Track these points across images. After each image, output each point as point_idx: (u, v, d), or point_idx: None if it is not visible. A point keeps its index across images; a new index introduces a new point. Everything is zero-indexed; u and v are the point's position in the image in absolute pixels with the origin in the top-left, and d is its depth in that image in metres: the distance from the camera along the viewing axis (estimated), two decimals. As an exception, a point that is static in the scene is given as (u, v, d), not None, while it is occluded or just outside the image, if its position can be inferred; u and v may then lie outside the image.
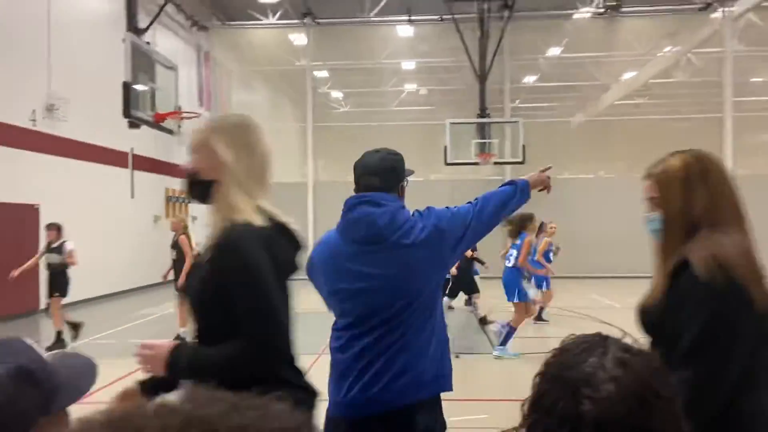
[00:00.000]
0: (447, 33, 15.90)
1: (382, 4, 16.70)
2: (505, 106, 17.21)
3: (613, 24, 17.37)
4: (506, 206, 2.41)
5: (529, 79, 20.35)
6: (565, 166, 19.70)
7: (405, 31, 17.80)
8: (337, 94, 21.44)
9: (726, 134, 16.83)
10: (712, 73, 17.48)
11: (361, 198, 2.27)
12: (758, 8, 15.82)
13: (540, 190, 2.59)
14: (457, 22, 15.22)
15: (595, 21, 17.14)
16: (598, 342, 0.87)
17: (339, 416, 2.16)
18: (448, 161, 14.87)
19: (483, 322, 8.99)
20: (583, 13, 16.52)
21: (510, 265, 7.56)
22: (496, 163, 15.34)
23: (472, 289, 10.15)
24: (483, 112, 15.49)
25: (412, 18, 16.91)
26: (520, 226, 7.50)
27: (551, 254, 9.67)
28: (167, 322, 10.32)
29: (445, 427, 2.26)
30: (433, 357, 2.16)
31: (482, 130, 15.20)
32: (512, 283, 7.53)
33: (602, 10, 16.25)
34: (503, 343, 7.34)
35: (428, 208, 2.31)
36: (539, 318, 9.60)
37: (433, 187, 17.72)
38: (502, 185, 2.47)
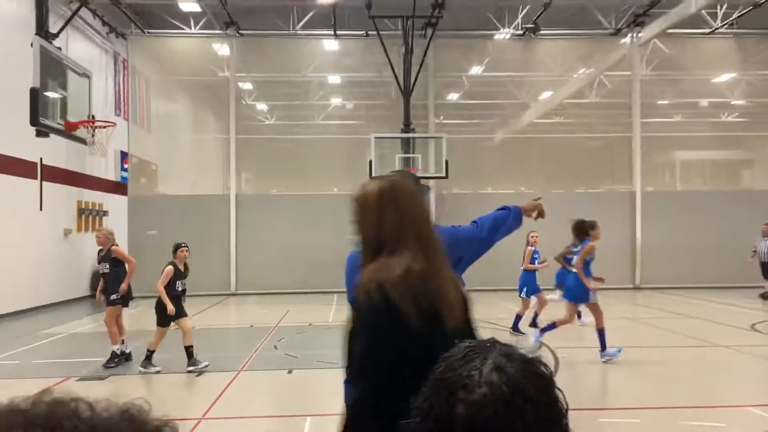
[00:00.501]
0: (372, 48, 16.07)
1: (308, 17, 16.68)
2: (430, 122, 17.53)
3: (532, 45, 18.09)
4: (499, 230, 2.58)
5: (453, 96, 20.84)
6: (487, 182, 20.27)
7: (331, 45, 17.84)
8: (262, 107, 21.16)
9: (635, 153, 17.82)
10: (622, 94, 18.50)
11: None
12: (663, 35, 16.91)
13: (536, 218, 2.77)
14: (382, 38, 15.41)
15: (515, 42, 17.80)
16: (483, 348, 0.88)
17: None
18: (373, 175, 14.94)
19: None
20: (504, 34, 17.12)
21: (574, 270, 7.98)
22: (420, 177, 15.56)
23: None
24: (407, 127, 15.71)
25: (338, 33, 16.98)
26: (584, 232, 7.92)
27: (536, 262, 9.81)
28: (75, 341, 9.75)
29: None
30: None
31: (407, 145, 15.40)
32: (572, 286, 7.89)
33: (521, 32, 16.89)
34: (603, 348, 7.52)
35: (434, 226, 2.46)
36: (515, 328, 9.62)
37: (359, 201, 17.82)
38: (497, 210, 2.64)
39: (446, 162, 15.21)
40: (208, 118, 20.40)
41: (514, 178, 19.63)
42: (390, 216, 1.77)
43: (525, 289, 9.21)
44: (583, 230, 7.94)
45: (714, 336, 9.48)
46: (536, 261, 9.67)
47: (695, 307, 13.13)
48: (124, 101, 16.83)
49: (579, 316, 9.62)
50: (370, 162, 14.86)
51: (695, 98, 21.18)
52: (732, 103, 20.69)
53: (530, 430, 0.80)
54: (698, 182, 21.11)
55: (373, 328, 1.62)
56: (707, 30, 16.23)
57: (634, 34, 17.04)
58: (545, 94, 20.81)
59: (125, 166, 17.03)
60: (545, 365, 0.89)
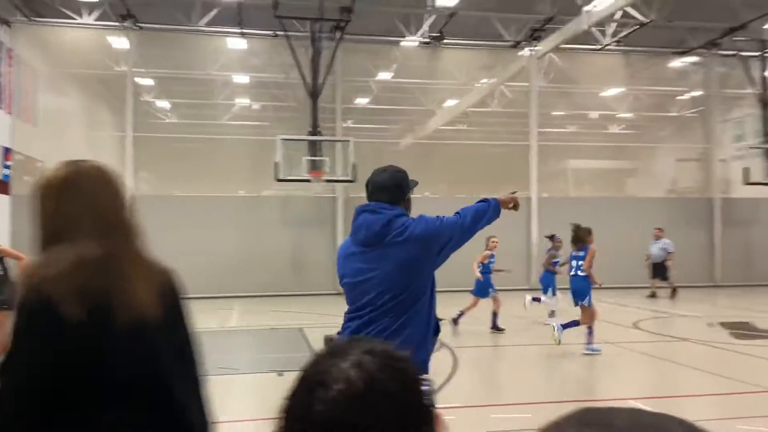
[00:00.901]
0: (280, 49, 15.83)
1: (212, 14, 16.18)
2: (337, 126, 17.50)
3: (438, 54, 18.53)
4: (480, 221, 2.89)
5: (361, 101, 20.96)
6: (394, 186, 20.53)
7: (237, 43, 17.40)
8: (163, 104, 20.30)
9: (532, 160, 18.66)
10: (521, 104, 19.34)
11: (364, 207, 2.80)
12: (558, 50, 17.86)
13: (510, 208, 3.03)
14: (290, 39, 15.23)
15: (421, 50, 18.15)
16: (348, 345, 0.87)
17: None
18: (280, 177, 14.73)
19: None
20: (411, 42, 17.41)
21: (582, 274, 8.52)
22: (327, 180, 15.50)
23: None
24: (315, 130, 15.60)
25: (245, 31, 16.60)
26: (583, 239, 8.64)
27: (491, 266, 10.22)
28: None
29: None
30: (408, 340, 2.55)
31: (314, 148, 15.29)
32: (580, 288, 8.44)
33: (427, 40, 17.25)
34: (590, 342, 8.18)
35: (420, 215, 2.79)
36: (495, 327, 9.97)
37: (264, 203, 17.47)
38: (477, 202, 2.90)
39: (354, 166, 15.24)
40: (103, 114, 19.28)
41: (420, 183, 19.77)
42: (68, 204, 1.60)
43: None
44: (580, 237, 8.66)
45: (598, 334, 10.08)
46: (491, 265, 10.08)
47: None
48: (6, 93, 15.58)
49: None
50: (276, 164, 14.62)
51: (587, 110, 22.56)
52: (619, 115, 22.21)
53: (388, 427, 0.79)
54: (589, 189, 22.45)
55: (25, 330, 1.46)
56: (598, 46, 17.29)
57: (532, 48, 17.86)
58: (450, 102, 21.39)
59: (7, 162, 15.76)
60: (408, 360, 0.88)
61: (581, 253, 8.65)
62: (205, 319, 11.75)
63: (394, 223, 2.71)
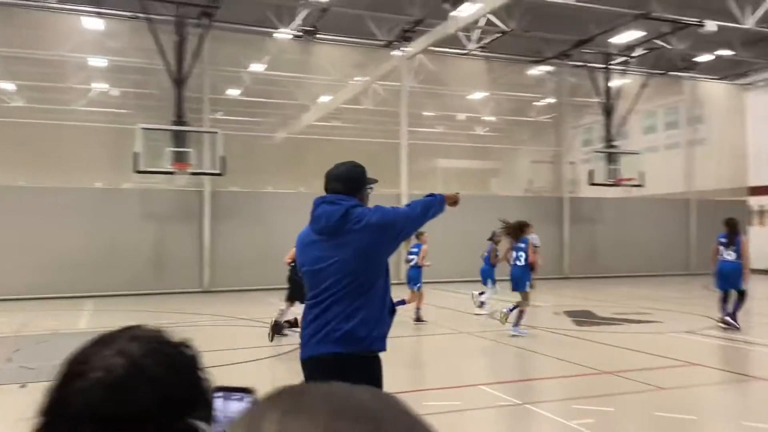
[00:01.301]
0: (142, 32, 14.88)
1: (65, -10, 14.92)
2: (204, 116, 16.81)
3: (311, 48, 18.41)
4: (428, 213, 3.15)
5: (232, 92, 20.34)
6: (267, 181, 20.18)
7: (93, 23, 16.14)
8: (7, 86, 18.43)
9: (402, 159, 19.14)
10: (392, 103, 19.76)
11: (323, 198, 3.03)
12: (428, 52, 18.45)
13: (451, 204, 3.32)
14: (153, 22, 14.41)
15: (295, 43, 17.94)
16: (118, 332, 0.83)
17: (301, 358, 3.00)
18: (140, 169, 13.91)
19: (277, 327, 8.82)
20: (284, 34, 17.15)
21: (521, 264, 9.39)
22: (193, 173, 14.88)
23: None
24: (180, 120, 14.90)
25: (101, 11, 15.44)
26: (521, 231, 9.54)
27: (416, 257, 10.70)
28: None
29: (378, 383, 2.92)
30: (364, 321, 2.85)
31: (178, 139, 14.60)
32: (522, 277, 9.40)
33: (300, 34, 17.09)
34: (517, 324, 9.23)
35: (376, 206, 3.04)
36: (419, 320, 10.44)
37: (124, 196, 16.40)
38: (425, 196, 3.21)
39: (222, 158, 14.76)
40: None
41: (294, 178, 19.82)
42: None
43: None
44: (521, 229, 9.61)
45: (450, 322, 10.59)
46: (416, 255, 10.60)
47: (436, 297, 14.57)
48: None
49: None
50: (136, 154, 13.80)
51: (454, 112, 23.60)
52: (484, 118, 23.46)
53: (150, 415, 0.76)
54: (457, 187, 23.46)
55: None
56: (464, 51, 18.08)
57: (403, 48, 18.31)
58: (324, 98, 21.39)
59: None
60: (183, 345, 0.85)
61: (522, 245, 9.46)
62: (65, 320, 10.84)
63: (352, 213, 2.94)
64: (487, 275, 11.96)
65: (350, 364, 2.83)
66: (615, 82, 20.25)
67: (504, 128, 24.10)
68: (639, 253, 20.79)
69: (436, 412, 5.56)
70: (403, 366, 7.37)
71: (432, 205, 3.20)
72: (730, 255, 9.87)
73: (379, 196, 18.39)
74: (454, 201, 3.36)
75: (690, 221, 22.55)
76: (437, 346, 9.25)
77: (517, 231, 9.59)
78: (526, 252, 9.45)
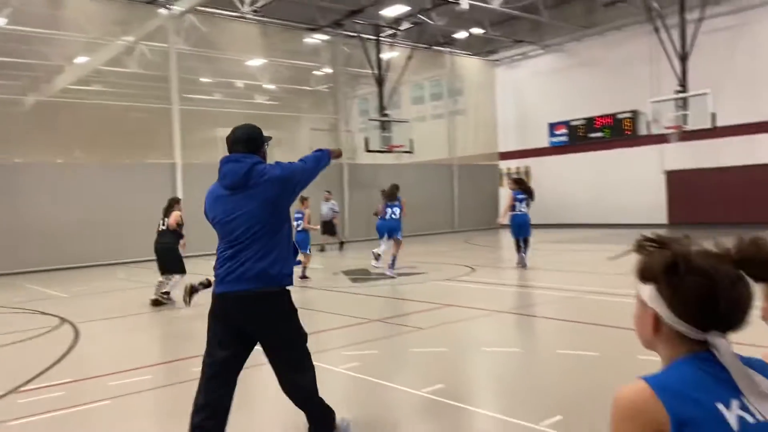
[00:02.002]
0: None
1: None
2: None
3: (62, 1, 16.35)
4: (319, 165, 3.59)
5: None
6: (15, 151, 17.63)
7: None
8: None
9: (175, 126, 18.11)
10: (161, 67, 18.48)
11: (228, 158, 3.38)
12: (199, 12, 17.53)
13: (335, 157, 3.79)
14: None
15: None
16: None
17: (216, 293, 3.36)
18: None
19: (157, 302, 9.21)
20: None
21: (396, 217, 11.85)
22: None
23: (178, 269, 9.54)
24: None
25: None
26: (393, 194, 11.96)
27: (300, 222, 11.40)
28: None
29: (290, 315, 3.41)
30: (274, 261, 3.29)
31: None
32: (396, 227, 11.86)
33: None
34: (393, 266, 11.70)
35: (276, 162, 3.42)
36: (304, 276, 11.38)
37: None
38: (314, 151, 3.65)
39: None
40: None
41: (49, 147, 17.59)
42: None
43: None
44: (393, 193, 11.93)
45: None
46: (301, 221, 11.28)
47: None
48: None
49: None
50: None
51: (232, 78, 22.88)
52: (265, 86, 23.13)
53: None
54: (238, 157, 22.91)
55: None
56: (237, 13, 17.54)
57: (169, 6, 17.16)
58: (81, 59, 19.22)
59: None
60: None
61: (396, 203, 11.82)
62: None
63: (255, 169, 3.31)
64: (384, 230, 12.81)
65: (263, 298, 3.28)
66: (385, 54, 21.35)
67: (284, 97, 24.04)
68: (412, 215, 22.47)
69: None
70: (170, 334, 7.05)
71: (322, 159, 3.63)
72: (522, 209, 12.03)
73: (152, 166, 17.36)
74: (338, 155, 3.86)
75: (453, 184, 24.96)
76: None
77: (392, 193, 11.92)
78: (400, 208, 11.84)
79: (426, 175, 23.81)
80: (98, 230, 16.50)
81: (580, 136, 23.81)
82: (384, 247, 12.69)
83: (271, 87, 23.20)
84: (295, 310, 3.44)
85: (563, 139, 24.45)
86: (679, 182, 21.10)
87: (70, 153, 18.10)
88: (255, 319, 3.31)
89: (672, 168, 21.27)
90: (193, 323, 8.18)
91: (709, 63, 18.85)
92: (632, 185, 21.94)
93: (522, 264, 12.04)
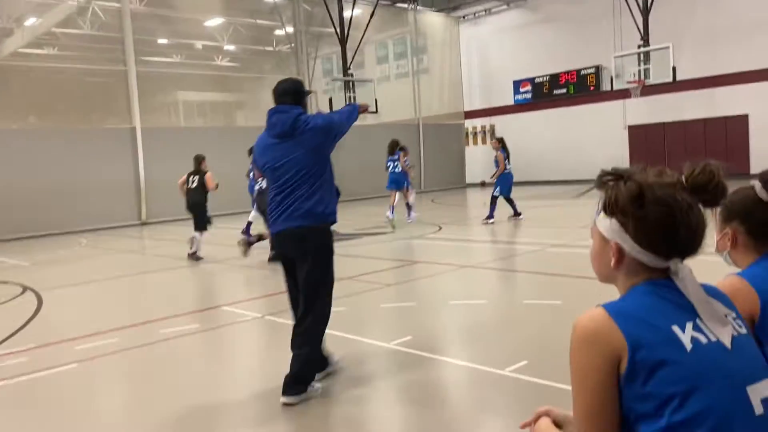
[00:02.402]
0: None
1: None
2: None
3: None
4: (351, 117, 3.96)
5: None
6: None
7: None
8: None
9: (132, 89, 17.58)
10: (116, 28, 17.80)
11: (276, 109, 3.83)
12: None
13: (362, 112, 4.16)
14: None
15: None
16: None
17: (273, 233, 3.92)
18: None
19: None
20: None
21: (398, 171, 13.24)
22: None
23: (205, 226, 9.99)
24: None
25: None
26: (393, 148, 13.44)
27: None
28: None
29: (327, 251, 3.88)
30: (319, 202, 3.76)
31: None
32: (401, 180, 13.24)
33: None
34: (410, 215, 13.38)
35: (317, 112, 4.03)
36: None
37: None
38: (346, 106, 4.07)
39: None
40: None
41: (2, 113, 16.90)
42: None
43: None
44: (393, 148, 13.40)
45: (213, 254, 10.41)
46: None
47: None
48: None
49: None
50: None
51: (191, 39, 22.18)
52: (225, 48, 22.50)
53: None
54: (201, 121, 22.44)
55: None
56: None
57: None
58: (31, 20, 18.38)
59: None
60: None
61: (395, 157, 13.30)
62: None
63: (299, 119, 3.75)
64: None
65: (310, 233, 3.76)
66: (348, 12, 20.91)
67: (245, 58, 23.46)
68: (378, 176, 22.37)
69: (174, 336, 5.45)
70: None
71: (353, 112, 4.01)
72: (509, 168, 12.65)
73: (111, 132, 16.86)
74: (365, 109, 4.27)
75: (419, 144, 24.93)
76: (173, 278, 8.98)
77: (391, 148, 13.34)
78: (398, 162, 13.10)
79: (391, 135, 23.50)
80: (57, 198, 16.07)
81: (545, 93, 23.92)
82: (408, 199, 13.73)
83: (231, 48, 22.60)
84: (332, 250, 3.89)
85: (527, 96, 24.54)
86: (640, 136, 21.46)
87: (25, 119, 17.46)
88: (300, 251, 3.80)
89: (634, 123, 21.59)
90: (161, 287, 8.10)
91: (671, 17, 19.00)
92: (595, 141, 22.22)
93: (519, 216, 12.64)
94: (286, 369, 3.74)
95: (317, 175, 3.76)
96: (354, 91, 20.26)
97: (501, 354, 4.43)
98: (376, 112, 20.95)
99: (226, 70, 23.10)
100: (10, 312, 6.94)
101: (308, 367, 3.77)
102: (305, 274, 3.78)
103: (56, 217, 16.09)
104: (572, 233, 10.19)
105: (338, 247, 10.87)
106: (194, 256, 9.84)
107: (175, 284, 8.32)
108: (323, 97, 22.00)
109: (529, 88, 24.43)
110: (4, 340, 5.54)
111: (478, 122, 26.13)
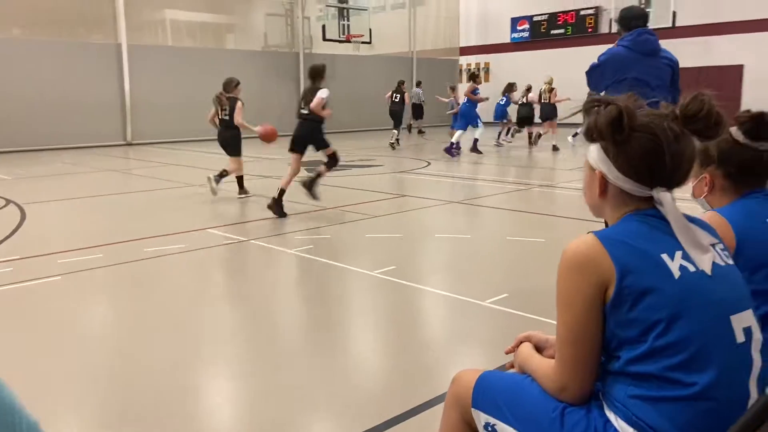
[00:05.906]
0: None
1: None
2: None
3: None
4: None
5: None
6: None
7: None
8: None
9: (118, 3, 16.96)
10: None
11: (645, 30, 4.33)
12: None
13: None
14: None
15: None
16: None
17: None
18: None
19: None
20: None
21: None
22: None
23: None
24: None
25: None
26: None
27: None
28: None
29: None
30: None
31: None
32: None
33: None
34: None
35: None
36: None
37: None
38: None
39: None
40: None
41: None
42: None
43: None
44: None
45: (190, 179, 10.32)
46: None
47: (181, 156, 13.99)
48: None
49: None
50: None
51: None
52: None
53: None
54: (190, 41, 21.75)
55: None
56: None
57: None
58: None
59: None
60: None
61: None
62: None
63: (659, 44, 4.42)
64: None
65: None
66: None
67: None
68: (369, 109, 22.10)
69: (160, 255, 5.47)
70: (117, 220, 6.98)
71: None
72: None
73: (96, 47, 16.33)
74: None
75: (412, 78, 24.48)
76: (160, 199, 8.93)
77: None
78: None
79: (384, 67, 23.23)
80: (39, 113, 15.70)
81: (542, 32, 23.41)
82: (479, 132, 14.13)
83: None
84: None
85: (524, 35, 24.01)
86: (635, 83, 21.22)
87: (8, 30, 16.78)
88: None
89: (630, 69, 21.29)
90: (146, 208, 8.07)
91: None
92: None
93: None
94: (270, 289, 3.79)
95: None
96: (348, 19, 19.72)
97: (482, 286, 4.51)
98: (370, 42, 20.50)
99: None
100: (-7, 224, 6.89)
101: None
102: None
103: (37, 133, 15.77)
104: (559, 174, 10.23)
105: (327, 177, 10.86)
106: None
107: (161, 205, 8.28)
108: (316, 24, 21.37)
109: (526, 26, 23.87)
110: (-13, 251, 5.53)
111: (473, 59, 25.63)
